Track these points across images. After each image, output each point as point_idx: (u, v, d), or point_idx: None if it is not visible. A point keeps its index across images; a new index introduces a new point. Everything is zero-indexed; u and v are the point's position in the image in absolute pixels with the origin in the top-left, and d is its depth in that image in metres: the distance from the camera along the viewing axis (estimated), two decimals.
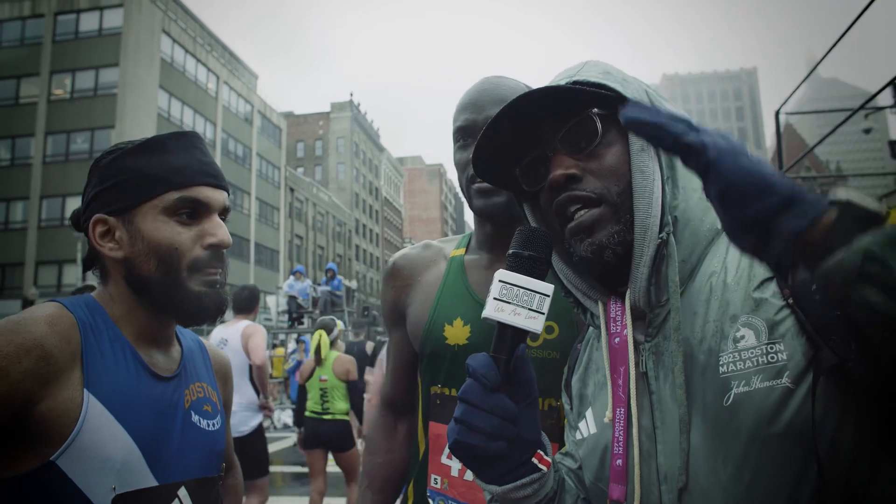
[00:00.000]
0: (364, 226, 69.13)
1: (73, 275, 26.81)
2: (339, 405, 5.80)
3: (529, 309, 0.87)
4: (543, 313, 0.88)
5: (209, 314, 1.18)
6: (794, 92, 7.15)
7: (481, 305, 1.38)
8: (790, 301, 0.81)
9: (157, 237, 1.15)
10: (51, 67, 30.61)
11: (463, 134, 1.47)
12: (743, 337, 0.83)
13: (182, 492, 1.15)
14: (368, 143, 72.08)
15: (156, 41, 31.83)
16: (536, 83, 1.31)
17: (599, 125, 0.93)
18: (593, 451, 0.99)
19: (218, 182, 1.22)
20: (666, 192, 0.92)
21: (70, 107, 30.24)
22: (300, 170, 60.94)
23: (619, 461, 0.91)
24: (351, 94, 67.76)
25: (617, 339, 0.96)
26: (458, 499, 1.41)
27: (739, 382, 0.81)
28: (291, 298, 16.73)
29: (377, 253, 73.00)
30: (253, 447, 4.91)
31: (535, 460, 0.93)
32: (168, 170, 1.17)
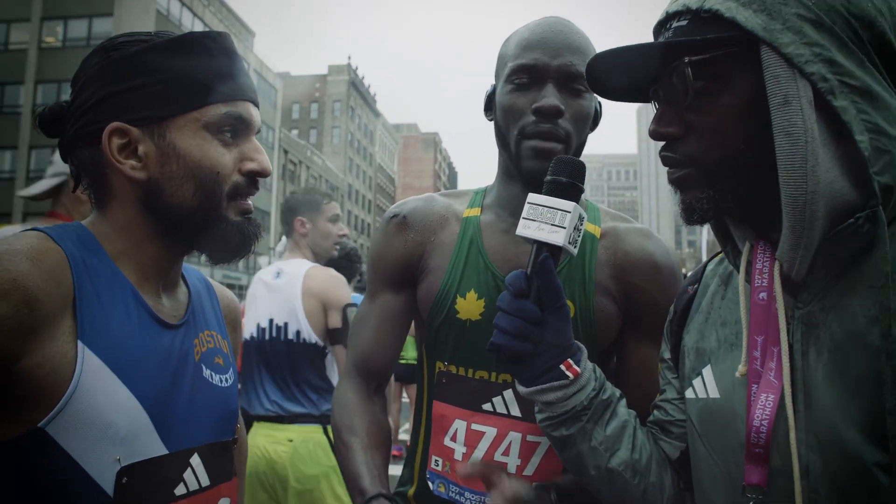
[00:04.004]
0: (357, 191, 68.63)
1: None
2: (410, 353, 5.93)
3: (552, 224, 0.98)
4: (564, 227, 0.97)
5: (248, 247, 1.04)
6: None
7: (498, 278, 1.29)
8: None
9: (196, 157, 0.97)
10: (42, 14, 29.81)
11: (527, 73, 1.23)
12: None
13: (195, 459, 0.99)
14: (364, 107, 71.20)
15: None
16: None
17: (690, 78, 0.79)
18: (714, 418, 0.89)
19: (256, 99, 1.05)
20: (864, 149, 0.73)
21: (62, 55, 29.46)
22: (294, 132, 60.20)
23: (759, 450, 0.79)
24: (349, 58, 66.74)
25: (762, 295, 0.83)
26: (461, 484, 1.29)
27: None
28: None
29: (368, 219, 72.65)
30: None
31: (562, 367, 0.99)
32: (214, 77, 0.98)
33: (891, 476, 0.69)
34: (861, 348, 0.73)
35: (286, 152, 47.73)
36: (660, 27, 0.87)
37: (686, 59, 0.79)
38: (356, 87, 67.12)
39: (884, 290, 0.70)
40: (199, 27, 35.48)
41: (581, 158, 1.27)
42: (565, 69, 1.22)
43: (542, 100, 1.21)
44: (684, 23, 0.81)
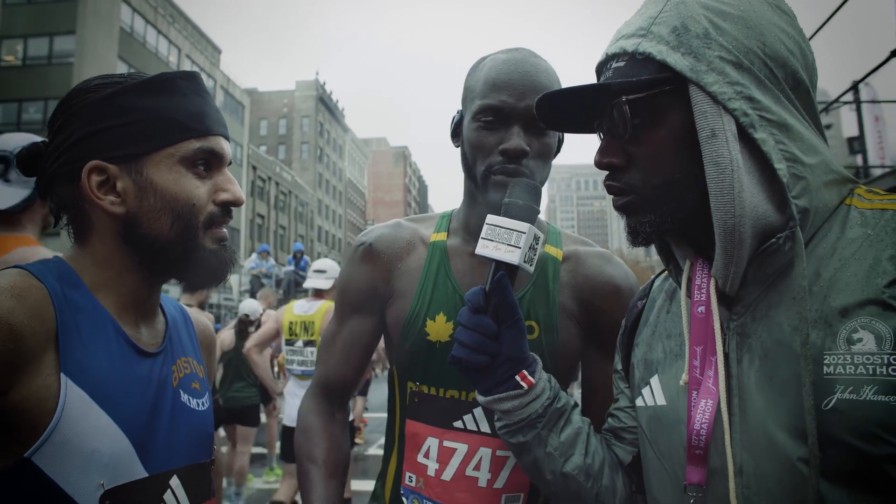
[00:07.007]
0: (327, 206, 68.28)
1: None
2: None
3: (508, 244, 1.04)
4: (520, 247, 1.03)
5: (225, 273, 1.08)
6: None
7: (464, 301, 1.34)
8: None
9: (173, 190, 1.01)
10: (1, 32, 29.26)
11: (494, 113, 1.27)
12: (860, 339, 0.74)
13: (174, 481, 1.03)
14: (333, 122, 71.02)
15: (115, 9, 30.57)
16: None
17: (629, 115, 0.86)
18: (661, 424, 0.95)
19: (227, 133, 1.12)
20: (782, 176, 0.80)
21: (22, 74, 28.94)
22: (263, 148, 59.75)
23: (699, 452, 0.85)
24: (317, 73, 66.57)
25: (701, 309, 0.89)
26: (434, 499, 1.35)
27: (846, 388, 0.73)
28: (255, 277, 16.49)
29: (339, 234, 72.27)
30: None
31: (518, 378, 1.06)
32: (188, 115, 1.04)
33: (810, 468, 0.75)
34: (786, 354, 0.80)
35: (255, 168, 47.36)
36: (601, 67, 0.94)
37: (624, 98, 0.86)
38: (324, 102, 66.97)
39: (802, 302, 0.77)
40: (164, 44, 35.10)
41: (549, 167, 1.36)
42: (530, 111, 1.25)
43: (509, 142, 1.26)
44: (622, 64, 0.89)
